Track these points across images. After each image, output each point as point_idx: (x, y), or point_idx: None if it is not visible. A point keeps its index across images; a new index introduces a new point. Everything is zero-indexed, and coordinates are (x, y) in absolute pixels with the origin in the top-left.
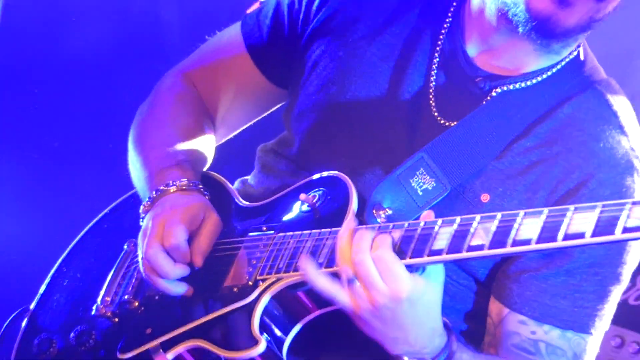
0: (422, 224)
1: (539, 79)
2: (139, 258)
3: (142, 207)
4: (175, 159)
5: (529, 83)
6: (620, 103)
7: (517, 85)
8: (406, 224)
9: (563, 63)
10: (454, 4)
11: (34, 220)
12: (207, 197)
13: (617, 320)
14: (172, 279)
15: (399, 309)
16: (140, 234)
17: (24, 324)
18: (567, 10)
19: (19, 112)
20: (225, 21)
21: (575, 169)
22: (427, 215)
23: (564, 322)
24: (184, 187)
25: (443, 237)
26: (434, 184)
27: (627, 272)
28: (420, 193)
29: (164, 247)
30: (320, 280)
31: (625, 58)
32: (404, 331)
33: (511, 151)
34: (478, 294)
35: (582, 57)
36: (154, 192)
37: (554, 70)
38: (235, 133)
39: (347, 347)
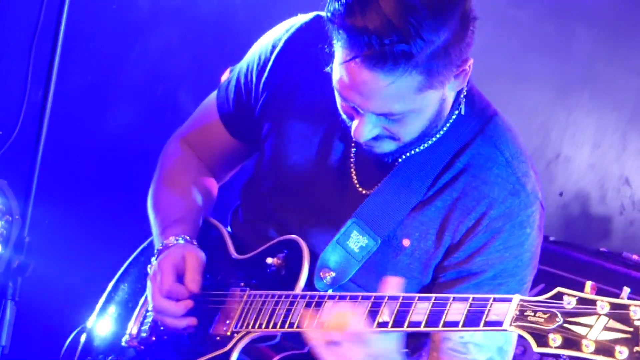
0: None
1: (433, 140)
2: (150, 310)
3: (150, 265)
4: (174, 218)
5: (425, 146)
6: (505, 139)
7: (416, 150)
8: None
9: (450, 121)
10: None
11: (88, 250)
12: (194, 242)
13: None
14: (180, 315)
15: None
16: (148, 281)
17: (82, 340)
18: (375, 149)
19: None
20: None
21: (472, 210)
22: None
23: None
24: (174, 242)
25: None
26: (367, 241)
27: (528, 275)
28: (357, 250)
29: (164, 294)
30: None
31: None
32: None
33: (423, 202)
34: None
35: (462, 112)
36: (155, 252)
37: (445, 129)
38: (223, 181)
39: None
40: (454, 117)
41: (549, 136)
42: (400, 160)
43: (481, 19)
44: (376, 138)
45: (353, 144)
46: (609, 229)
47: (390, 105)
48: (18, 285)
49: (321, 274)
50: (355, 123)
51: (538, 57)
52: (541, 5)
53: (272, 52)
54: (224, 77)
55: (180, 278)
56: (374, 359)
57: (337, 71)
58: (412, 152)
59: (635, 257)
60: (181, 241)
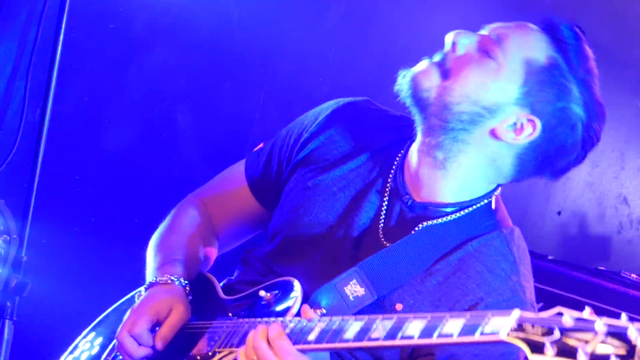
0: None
1: (455, 216)
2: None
3: (138, 292)
4: (176, 258)
5: (447, 219)
6: (518, 247)
7: (437, 221)
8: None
9: (476, 206)
10: (402, 152)
11: (74, 282)
12: (187, 289)
13: None
14: (137, 358)
15: None
16: (129, 310)
17: None
18: (421, 72)
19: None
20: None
21: (470, 292)
22: (304, 311)
23: None
24: (168, 282)
25: (351, 329)
26: (364, 292)
27: None
28: (352, 299)
29: (132, 333)
30: None
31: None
32: None
33: (426, 273)
34: None
35: (493, 207)
36: (147, 283)
37: (468, 210)
38: (234, 246)
39: None
40: (481, 204)
41: None
42: (420, 227)
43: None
44: (440, 60)
45: (386, 199)
46: (607, 247)
47: (513, 39)
48: (16, 304)
49: (312, 309)
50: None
51: None
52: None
53: (316, 119)
54: (257, 148)
55: (156, 325)
56: None
57: None
58: (433, 222)
59: (633, 276)
60: (177, 282)
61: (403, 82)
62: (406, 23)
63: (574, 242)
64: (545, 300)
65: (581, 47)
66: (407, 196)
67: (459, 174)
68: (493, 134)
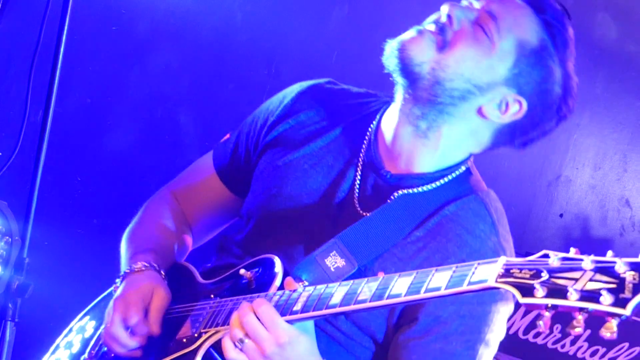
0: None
1: (434, 185)
2: (103, 329)
3: (114, 285)
4: (147, 247)
5: (424, 188)
6: (496, 209)
7: (415, 190)
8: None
9: (454, 175)
10: (373, 124)
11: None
12: (162, 273)
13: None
14: (130, 348)
15: (285, 352)
16: (109, 306)
17: None
18: (413, 41)
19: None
20: None
21: (451, 255)
22: (288, 282)
23: None
24: (142, 269)
25: (301, 300)
26: (344, 263)
27: (494, 339)
28: (333, 270)
29: (125, 325)
30: (226, 346)
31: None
32: None
33: (405, 240)
34: (377, 355)
35: (469, 172)
36: (121, 274)
37: (447, 179)
38: (209, 237)
39: None
40: (457, 172)
41: (549, 158)
42: (396, 195)
43: None
44: (439, 31)
45: (359, 171)
46: (610, 250)
47: (508, 14)
48: (18, 306)
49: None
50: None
51: None
52: None
53: (281, 102)
54: (224, 138)
55: (145, 314)
56: (295, 348)
57: None
58: (410, 191)
59: None
60: (149, 269)
61: (391, 53)
62: (409, 25)
63: (576, 245)
64: None
65: (567, 29)
66: (383, 169)
67: (439, 144)
68: (480, 111)
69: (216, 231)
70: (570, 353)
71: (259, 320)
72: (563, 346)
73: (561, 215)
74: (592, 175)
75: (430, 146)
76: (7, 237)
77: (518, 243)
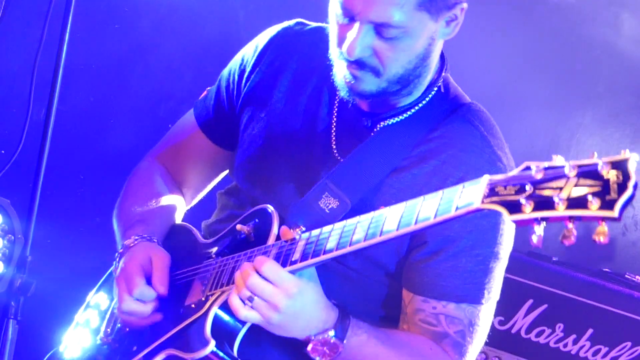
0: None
1: (411, 112)
2: (116, 310)
3: (113, 265)
4: (135, 220)
5: (403, 116)
6: (480, 118)
7: (394, 120)
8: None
9: (427, 99)
10: None
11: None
12: (154, 240)
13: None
14: (147, 315)
15: (296, 302)
16: (114, 283)
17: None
18: (356, 83)
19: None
20: None
21: (449, 176)
22: (284, 232)
23: (457, 297)
24: (135, 243)
25: (299, 249)
26: (338, 203)
27: (504, 251)
28: (328, 211)
29: (132, 296)
30: (233, 303)
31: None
32: (307, 316)
33: (398, 170)
34: (391, 286)
35: (442, 90)
36: (117, 255)
37: (421, 104)
38: (202, 194)
39: (284, 342)
40: (431, 94)
41: (551, 158)
42: (377, 128)
43: (483, 41)
44: (361, 66)
45: (335, 113)
46: (612, 249)
47: (390, 12)
48: (20, 304)
49: (291, 229)
50: (349, 37)
51: (540, 78)
52: (543, 26)
53: (255, 50)
54: (202, 95)
55: (147, 279)
56: (305, 296)
57: None
58: (390, 121)
59: (638, 277)
60: (141, 240)
61: (350, 98)
62: None
63: (579, 244)
64: (551, 302)
65: None
66: (356, 108)
67: (421, 81)
68: (446, 36)
69: (208, 187)
70: (573, 352)
71: (264, 278)
72: (565, 345)
73: None
74: None
75: (403, 91)
76: (10, 235)
77: (521, 244)
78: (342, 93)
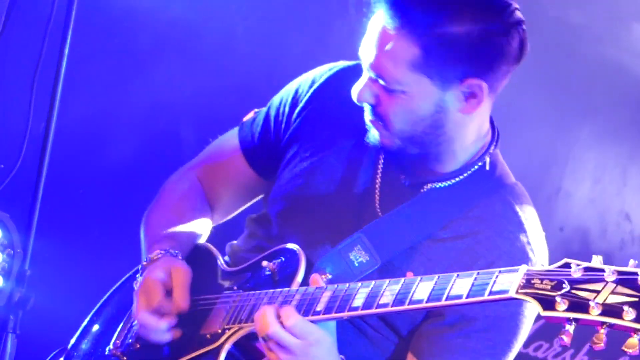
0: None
1: (454, 180)
2: (135, 323)
3: (135, 280)
4: (164, 234)
5: (446, 183)
6: (521, 204)
7: (438, 185)
8: (302, 289)
9: (470, 171)
10: None
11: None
12: (179, 256)
13: None
14: (163, 330)
15: (311, 352)
16: (134, 296)
17: None
18: (373, 131)
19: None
20: None
21: (481, 257)
22: (314, 280)
23: None
24: (159, 256)
25: (358, 297)
26: (368, 258)
27: (516, 342)
28: (357, 264)
29: (151, 309)
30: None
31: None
32: None
33: (433, 240)
34: (399, 347)
35: (487, 167)
36: (140, 267)
37: (463, 176)
38: (232, 215)
39: None
40: (475, 167)
41: (549, 171)
42: (423, 190)
43: None
44: (371, 113)
45: (380, 167)
46: (610, 264)
47: (384, 64)
48: (19, 318)
49: (318, 275)
50: (357, 82)
51: (537, 91)
52: (539, 38)
53: (311, 86)
54: (248, 117)
55: (168, 294)
56: (320, 347)
57: None
58: (434, 185)
59: None
60: (166, 255)
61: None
62: None
63: (576, 259)
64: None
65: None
66: (403, 167)
67: (453, 148)
68: (462, 111)
69: (237, 211)
70: None
71: (287, 331)
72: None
73: (561, 229)
74: (591, 189)
75: (440, 158)
76: (9, 250)
77: None
78: (367, 138)
